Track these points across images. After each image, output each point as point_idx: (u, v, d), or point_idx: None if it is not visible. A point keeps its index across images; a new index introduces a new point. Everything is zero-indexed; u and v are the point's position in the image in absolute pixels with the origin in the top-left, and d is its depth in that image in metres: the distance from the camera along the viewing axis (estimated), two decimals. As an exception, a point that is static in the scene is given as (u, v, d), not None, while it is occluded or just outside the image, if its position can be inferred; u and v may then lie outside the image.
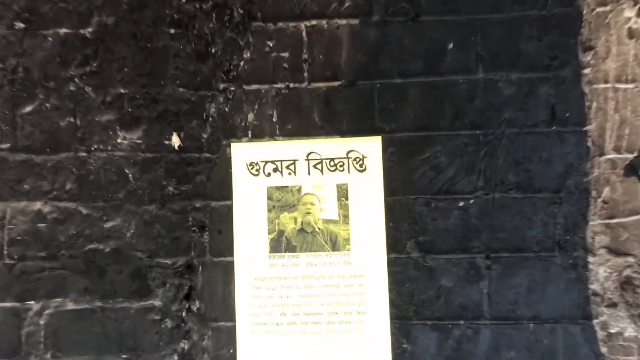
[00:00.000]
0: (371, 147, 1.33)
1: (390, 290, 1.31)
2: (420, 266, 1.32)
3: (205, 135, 1.37)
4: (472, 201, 1.32)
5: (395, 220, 1.32)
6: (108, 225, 1.36)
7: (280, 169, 1.35)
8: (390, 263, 1.31)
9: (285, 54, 1.36)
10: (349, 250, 1.32)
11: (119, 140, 1.37)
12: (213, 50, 1.37)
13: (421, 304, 1.31)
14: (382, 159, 1.33)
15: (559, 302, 1.29)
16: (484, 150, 1.32)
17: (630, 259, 1.28)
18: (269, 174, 1.35)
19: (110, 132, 1.37)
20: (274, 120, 1.36)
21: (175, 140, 1.37)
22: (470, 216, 1.32)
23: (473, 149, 1.32)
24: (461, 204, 1.32)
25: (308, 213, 1.33)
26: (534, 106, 1.32)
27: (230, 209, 1.35)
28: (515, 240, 1.31)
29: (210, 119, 1.37)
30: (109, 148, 1.37)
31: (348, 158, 1.34)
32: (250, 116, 1.37)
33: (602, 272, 1.29)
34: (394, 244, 1.32)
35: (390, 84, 1.34)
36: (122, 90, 1.37)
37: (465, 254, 1.31)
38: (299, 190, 1.34)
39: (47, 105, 1.37)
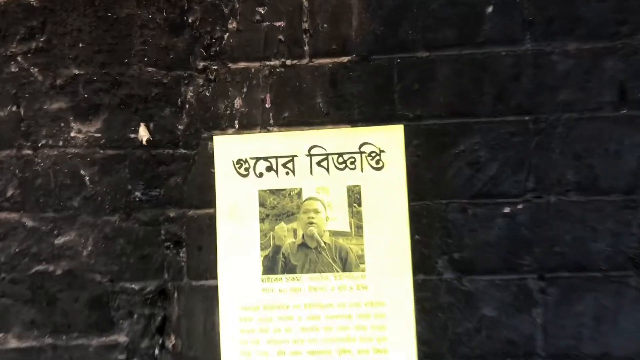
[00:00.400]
0: (390, 138, 1.05)
1: (418, 321, 1.03)
2: (455, 290, 1.04)
3: (180, 127, 1.10)
4: (520, 206, 1.04)
5: (422, 232, 1.04)
6: (60, 241, 1.10)
7: (275, 168, 1.07)
8: (417, 287, 1.03)
9: (281, 24, 1.10)
10: (363, 270, 1.04)
11: (72, 134, 1.10)
12: (190, 20, 1.11)
13: (457, 339, 1.03)
14: (404, 154, 1.04)
15: (634, 335, 1.00)
16: (534, 141, 1.04)
17: None
18: (261, 174, 1.07)
19: (62, 124, 1.11)
20: (266, 106, 1.08)
21: (143, 133, 1.09)
22: (518, 226, 1.04)
23: (521, 139, 1.05)
24: (507, 210, 1.04)
25: (311, 223, 1.05)
26: (597, 84, 1.04)
27: (212, 219, 1.08)
28: (576, 256, 1.03)
29: (187, 106, 1.10)
30: (61, 144, 1.11)
31: (361, 153, 1.05)
32: (238, 102, 1.09)
33: (690, 297, 1.00)
34: (421, 263, 1.04)
35: (413, 58, 1.07)
36: (76, 71, 1.11)
37: (513, 274, 1.04)
38: (299, 194, 1.06)
39: (-17, 91, 1.10)
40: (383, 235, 1.04)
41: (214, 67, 1.10)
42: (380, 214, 1.05)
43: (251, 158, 1.09)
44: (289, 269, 1.06)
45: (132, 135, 1.10)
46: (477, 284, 1.04)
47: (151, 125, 1.10)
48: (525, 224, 1.03)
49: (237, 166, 1.09)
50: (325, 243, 1.06)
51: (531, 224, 1.03)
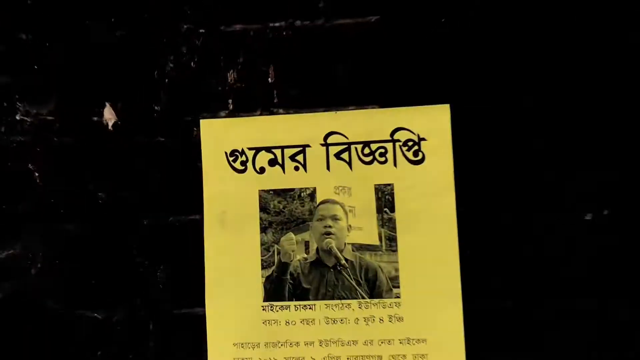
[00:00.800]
0: (433, 123, 0.81)
1: (471, 365, 0.77)
2: (521, 323, 0.78)
3: (157, 108, 0.85)
4: (606, 212, 0.78)
5: (476, 245, 0.79)
6: (1, 255, 0.85)
7: (281, 161, 0.82)
8: (470, 319, 0.78)
9: (288, -28, 0.84)
10: (398, 297, 0.79)
11: (18, 117, 0.86)
12: (170, -32, 0.86)
13: (523, 389, 0.78)
14: (451, 143, 0.79)
15: None
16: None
17: None
18: (262, 170, 0.82)
19: (5, 104, 0.86)
20: (270, 80, 0.83)
21: (110, 116, 0.84)
22: (607, 238, 0.77)
23: (615, 122, 0.78)
24: (589, 217, 0.78)
25: (328, 234, 0.81)
26: None
27: (199, 227, 0.83)
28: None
29: (167, 80, 0.85)
30: (3, 130, 0.86)
31: (394, 142, 0.81)
32: (232, 76, 0.84)
33: None
34: (475, 286, 0.78)
35: (464, 16, 0.80)
36: (24, 35, 0.85)
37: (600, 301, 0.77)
38: (313, 195, 0.81)
39: None
40: (424, 250, 0.79)
41: (201, 31, 0.85)
42: (419, 222, 0.79)
43: (249, 148, 0.83)
44: (299, 293, 0.81)
45: (95, 119, 0.85)
46: (544, 313, 0.78)
47: (119, 105, 0.85)
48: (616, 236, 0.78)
49: (231, 159, 0.84)
50: (347, 260, 0.80)
51: (622, 236, 0.78)
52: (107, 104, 0.85)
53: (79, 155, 0.85)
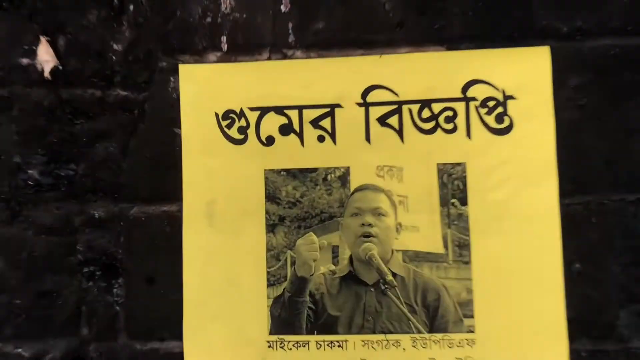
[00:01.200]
0: (525, 73, 0.55)
1: None
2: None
3: (117, 47, 0.57)
4: None
5: (588, 255, 0.54)
6: None
7: (297, 128, 0.57)
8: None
9: None
10: (472, 331, 0.54)
11: None
12: None
13: None
14: (552, 104, 0.53)
15: None
16: None
17: None
18: (270, 140, 0.56)
19: None
20: (282, 9, 0.57)
21: (47, 58, 0.57)
22: None
23: None
24: None
25: (367, 236, 0.54)
26: None
27: (176, 224, 0.56)
28: None
29: (131, 6, 0.58)
30: None
31: (467, 100, 0.55)
32: (228, 2, 0.57)
33: None
34: (587, 318, 0.52)
35: None
36: None
37: None
38: (344, 178, 0.55)
39: None
40: (510, 263, 0.53)
41: None
42: (503, 220, 0.54)
43: (252, 109, 0.57)
44: (324, 324, 0.55)
45: (25, 61, 0.58)
46: (697, 363, 0.53)
47: (61, 41, 0.58)
48: None
49: (224, 124, 0.57)
50: (395, 275, 0.54)
51: None
52: (43, 39, 0.58)
53: (2, 115, 0.58)
